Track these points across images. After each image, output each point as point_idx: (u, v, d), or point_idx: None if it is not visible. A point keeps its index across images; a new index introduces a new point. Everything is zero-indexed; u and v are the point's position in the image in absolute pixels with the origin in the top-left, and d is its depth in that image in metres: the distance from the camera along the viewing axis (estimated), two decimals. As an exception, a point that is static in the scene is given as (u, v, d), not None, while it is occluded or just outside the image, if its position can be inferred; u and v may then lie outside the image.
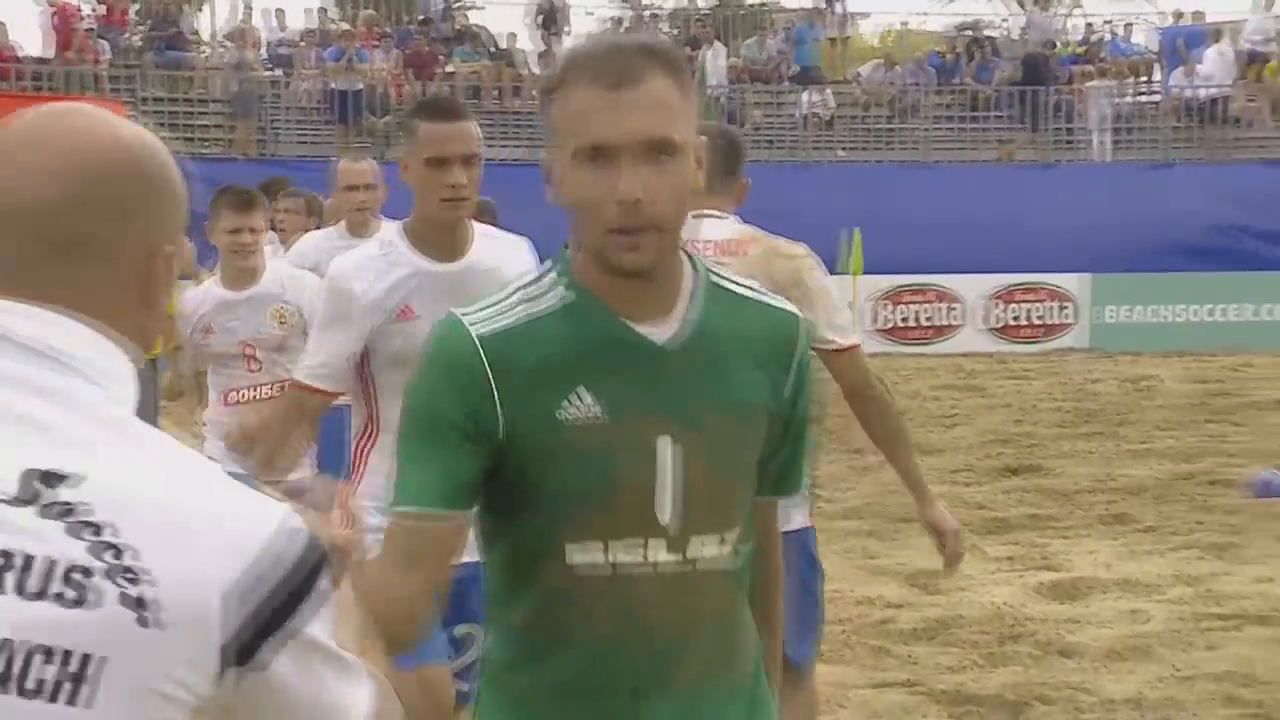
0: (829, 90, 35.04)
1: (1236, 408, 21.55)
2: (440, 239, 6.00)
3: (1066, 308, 30.29)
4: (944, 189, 30.54)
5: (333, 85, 32.20)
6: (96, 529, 2.14)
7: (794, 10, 41.54)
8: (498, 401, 3.15)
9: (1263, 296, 30.52)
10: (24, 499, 2.15)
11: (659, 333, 3.21)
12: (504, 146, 31.13)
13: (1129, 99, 37.01)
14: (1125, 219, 30.22)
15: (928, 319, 29.76)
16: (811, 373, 3.61)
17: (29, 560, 2.12)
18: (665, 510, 3.24)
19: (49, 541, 2.11)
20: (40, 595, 2.10)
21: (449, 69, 34.32)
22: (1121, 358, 27.83)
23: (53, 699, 2.09)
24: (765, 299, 3.51)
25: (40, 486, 2.16)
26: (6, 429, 2.20)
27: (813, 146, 33.45)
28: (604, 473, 3.21)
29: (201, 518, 2.21)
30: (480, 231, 6.22)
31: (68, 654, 2.09)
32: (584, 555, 3.27)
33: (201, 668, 2.17)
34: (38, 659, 2.08)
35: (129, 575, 2.12)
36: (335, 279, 6.20)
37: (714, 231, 7.04)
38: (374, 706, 2.48)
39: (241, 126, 31.63)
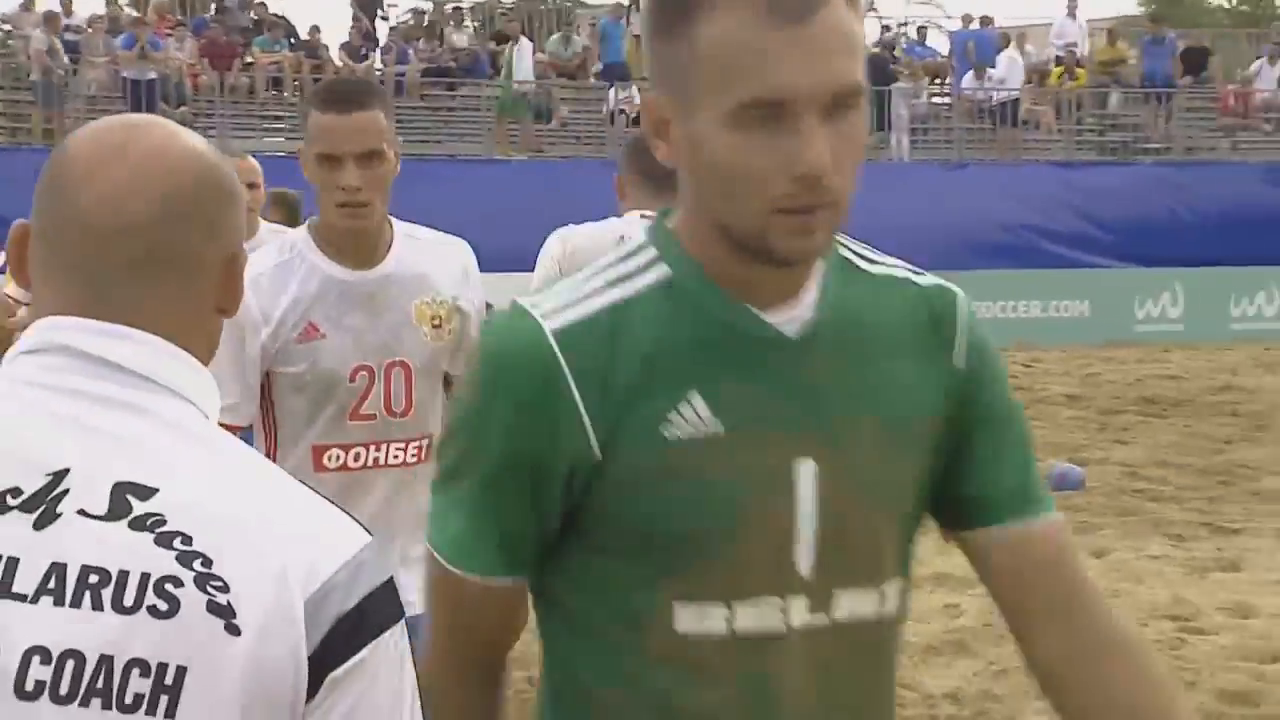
0: (635, 86, 34.82)
1: (1029, 402, 21.52)
2: (347, 244, 5.06)
3: (872, 301, 30.31)
4: None
5: (125, 74, 31.70)
6: (186, 538, 2.20)
7: (598, 6, 42.33)
8: (585, 418, 2.38)
9: (1051, 294, 31.56)
10: (116, 514, 2.21)
11: (788, 322, 2.46)
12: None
13: (924, 101, 37.62)
14: (923, 218, 30.76)
15: None
16: (993, 353, 2.75)
17: (124, 575, 2.16)
18: (807, 557, 2.47)
19: (141, 554, 2.17)
20: (135, 609, 2.15)
21: (248, 59, 34.07)
22: None
23: (149, 712, 2.14)
24: (908, 273, 2.73)
25: (131, 499, 2.22)
26: (100, 446, 2.27)
27: (619, 143, 33.44)
28: (727, 510, 2.42)
29: (290, 526, 2.28)
30: (404, 232, 5.25)
31: (163, 666, 2.14)
32: (698, 620, 2.47)
33: (291, 673, 2.20)
34: (135, 673, 2.13)
35: (216, 583, 2.18)
36: None
37: None
38: None
39: (35, 114, 31.41)
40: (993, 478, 2.62)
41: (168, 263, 2.34)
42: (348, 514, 2.35)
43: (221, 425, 3.22)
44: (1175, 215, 33.80)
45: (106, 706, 2.14)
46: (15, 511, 2.23)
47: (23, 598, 2.19)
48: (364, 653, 2.23)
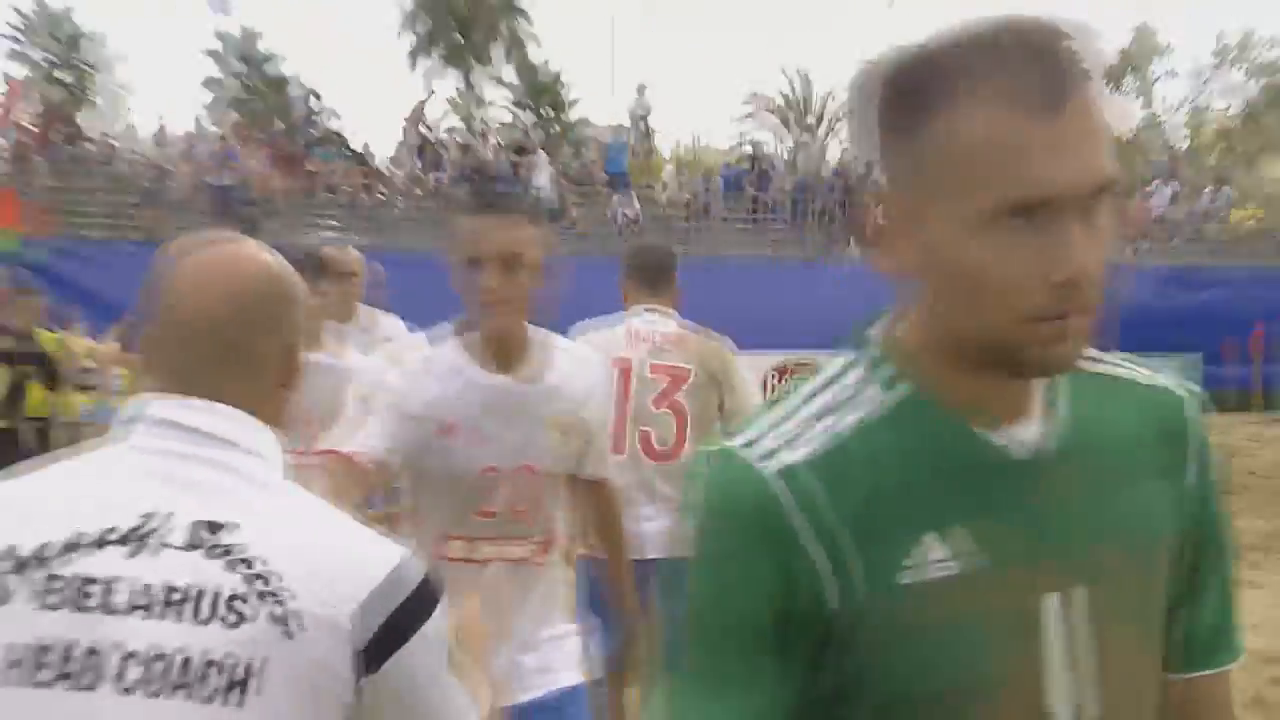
0: (634, 193, 35.80)
1: None
2: (489, 348, 4.60)
3: (831, 382, 30.72)
4: (730, 284, 31.21)
5: (208, 180, 32.20)
6: (249, 563, 2.50)
7: (602, 127, 42.15)
8: (817, 569, 1.94)
9: None
10: (193, 545, 2.51)
11: (1021, 439, 2.03)
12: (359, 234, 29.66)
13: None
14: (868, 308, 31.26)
15: None
16: (1215, 462, 2.24)
17: (200, 594, 2.45)
18: (1063, 709, 2.00)
19: (213, 577, 2.46)
20: (210, 620, 2.44)
21: (309, 168, 34.18)
22: None
23: (224, 704, 2.42)
24: (1137, 374, 2.28)
25: (205, 534, 2.51)
26: (181, 492, 2.58)
27: (622, 239, 34.04)
28: (972, 658, 1.96)
29: (338, 551, 2.59)
30: (542, 341, 4.76)
31: (233, 665, 2.43)
32: None
33: (341, 669, 2.51)
34: (212, 672, 2.41)
35: (276, 598, 2.48)
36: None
37: (661, 325, 7.02)
38: None
39: (149, 214, 31.29)
40: (1198, 614, 2.23)
41: (241, 351, 2.74)
42: (390, 538, 2.71)
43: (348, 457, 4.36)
44: None
45: (189, 699, 2.41)
46: (112, 545, 2.50)
47: (118, 612, 2.45)
48: (406, 646, 2.57)
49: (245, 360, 2.77)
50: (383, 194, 34.96)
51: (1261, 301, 34.64)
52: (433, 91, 43.63)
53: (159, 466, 2.62)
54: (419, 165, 36.03)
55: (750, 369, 26.89)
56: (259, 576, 2.50)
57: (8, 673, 2.40)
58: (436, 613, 2.64)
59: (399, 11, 60.96)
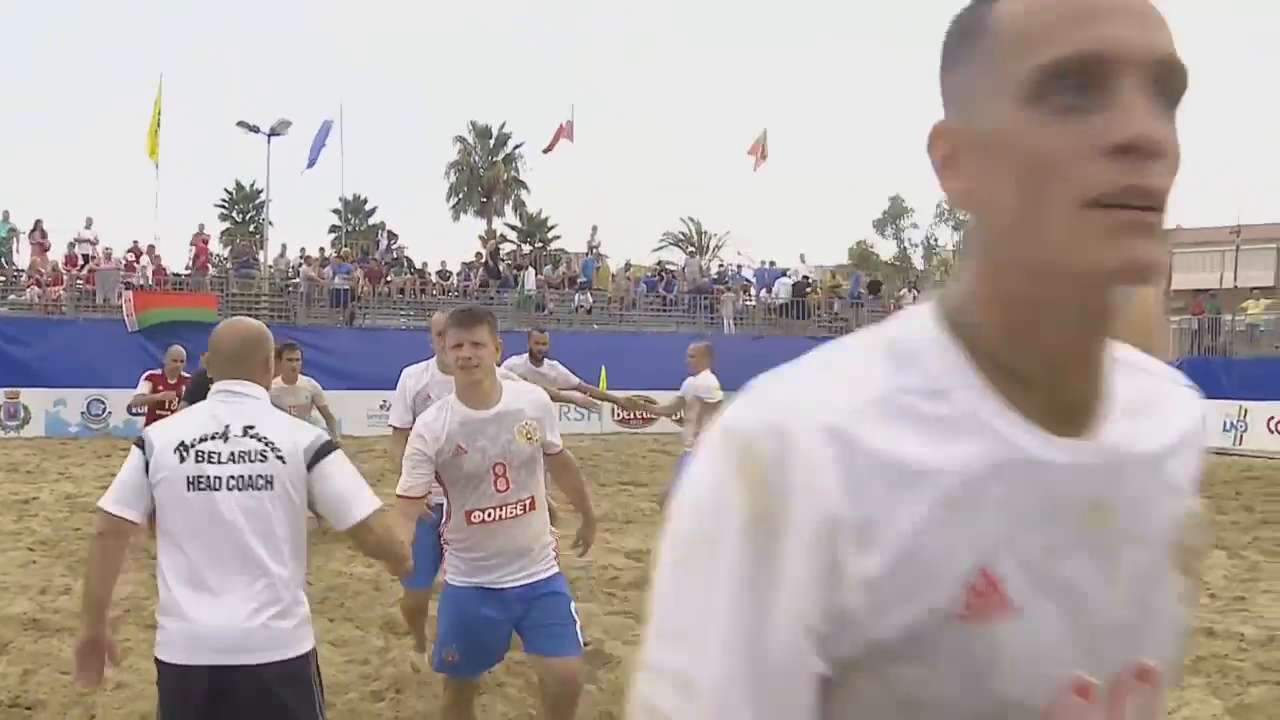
0: (589, 293, 35.35)
1: None
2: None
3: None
4: (648, 348, 30.76)
5: (331, 285, 31.80)
6: (263, 439, 3.66)
7: (572, 251, 41.75)
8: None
9: None
10: (243, 434, 3.66)
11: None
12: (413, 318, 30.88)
13: (744, 303, 37.74)
14: (743, 365, 30.86)
15: (642, 414, 29.67)
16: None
17: (247, 452, 3.64)
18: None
19: (252, 445, 3.65)
20: (253, 461, 3.63)
21: (388, 278, 33.79)
22: None
23: (261, 490, 3.60)
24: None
25: (246, 429, 3.67)
26: (235, 415, 3.69)
27: (580, 324, 33.94)
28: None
29: (295, 431, 3.75)
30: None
31: (266, 479, 3.61)
32: None
33: (301, 471, 3.64)
34: (258, 480, 3.61)
35: (276, 451, 3.65)
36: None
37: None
38: (378, 511, 3.66)
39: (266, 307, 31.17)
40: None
41: (251, 360, 3.80)
42: (324, 431, 3.86)
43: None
44: None
45: (249, 490, 3.57)
46: (213, 439, 3.62)
47: (219, 462, 3.59)
48: (324, 461, 3.67)
49: (248, 365, 3.81)
50: (428, 292, 34.21)
51: None
52: (497, 243, 42.23)
53: (224, 407, 3.73)
54: (455, 278, 35.84)
55: (660, 400, 25.06)
56: (269, 443, 3.67)
57: (187, 491, 3.58)
58: (334, 452, 3.72)
59: (446, 183, 60.37)
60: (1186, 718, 6.23)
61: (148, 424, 11.26)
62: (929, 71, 1.13)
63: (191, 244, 32.74)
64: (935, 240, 51.09)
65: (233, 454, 3.55)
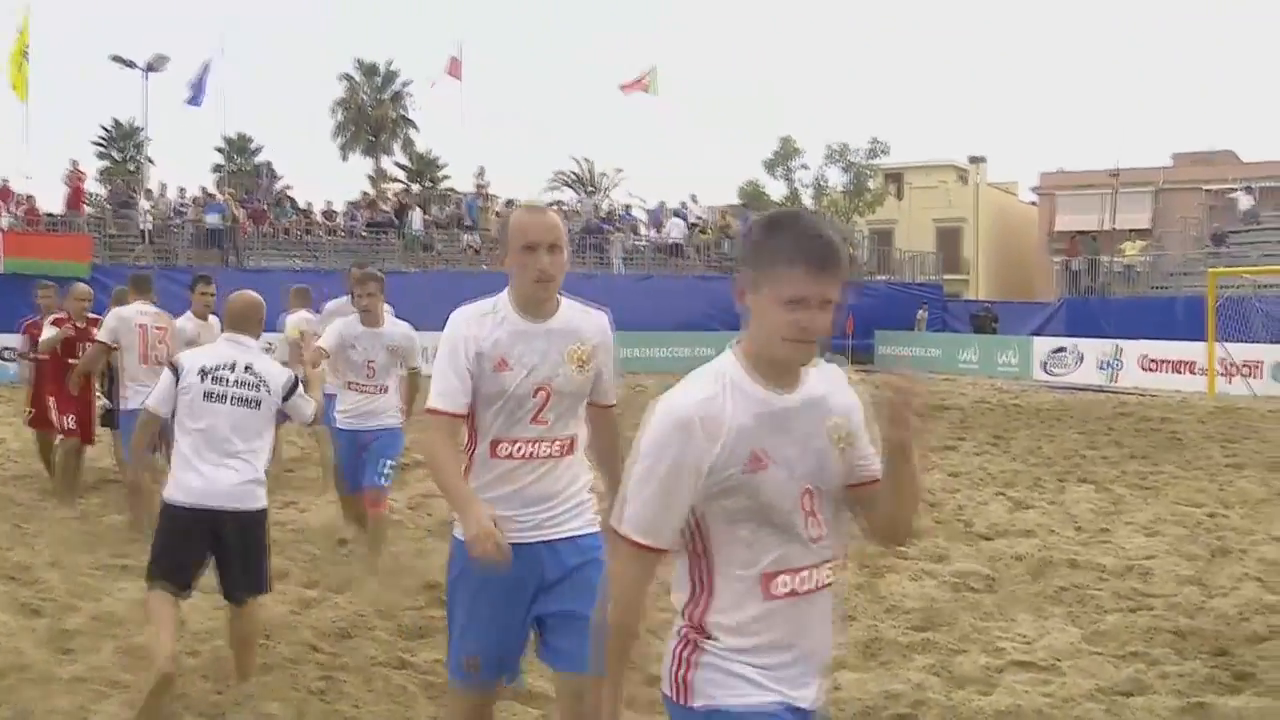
0: (477, 233, 34.96)
1: None
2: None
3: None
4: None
5: (209, 226, 30.93)
6: (258, 374, 5.58)
7: (461, 192, 41.23)
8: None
9: (695, 343, 29.96)
10: (245, 368, 5.55)
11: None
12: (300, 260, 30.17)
13: (632, 243, 37.65)
14: (632, 305, 30.87)
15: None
16: None
17: (246, 382, 5.53)
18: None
19: (249, 378, 5.54)
20: (249, 389, 5.54)
21: (272, 219, 33.07)
22: (630, 376, 27.42)
23: (252, 409, 5.52)
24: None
25: (248, 366, 5.56)
26: (240, 355, 5.59)
27: (468, 263, 33.63)
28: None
29: (277, 371, 5.70)
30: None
31: (255, 399, 5.52)
32: None
33: (276, 402, 5.61)
34: (251, 401, 5.52)
35: (266, 384, 5.58)
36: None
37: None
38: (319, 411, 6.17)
39: (143, 249, 30.25)
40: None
41: (250, 319, 5.74)
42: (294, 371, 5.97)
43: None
44: None
45: (245, 406, 5.49)
46: (224, 369, 5.51)
47: (228, 385, 5.50)
48: (294, 395, 5.69)
49: (248, 324, 5.73)
50: (313, 234, 33.70)
51: (850, 302, 34.44)
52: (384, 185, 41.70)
53: (231, 348, 5.63)
54: (342, 217, 35.14)
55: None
56: (261, 378, 5.57)
57: (203, 399, 5.43)
58: (299, 386, 5.78)
59: (333, 122, 58.90)
60: (1046, 645, 6.38)
61: (41, 369, 10.83)
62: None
63: (66, 183, 31.45)
64: (825, 181, 51.27)
65: (237, 381, 5.53)
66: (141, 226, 31.01)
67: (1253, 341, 25.50)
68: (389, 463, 7.90)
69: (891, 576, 7.87)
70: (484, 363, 3.75)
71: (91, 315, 10.62)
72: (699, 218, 39.46)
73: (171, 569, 5.31)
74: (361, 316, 7.81)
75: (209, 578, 5.51)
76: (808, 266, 2.43)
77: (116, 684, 5.56)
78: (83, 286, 11.08)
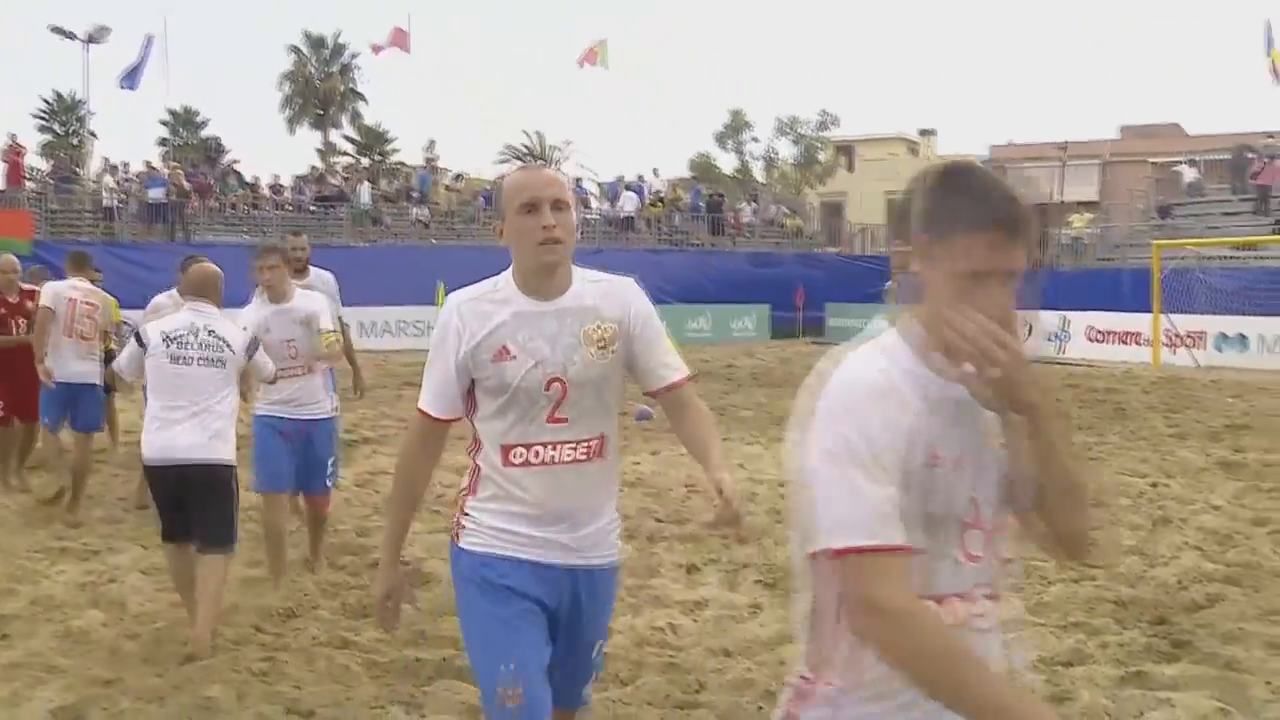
0: (427, 207, 34.67)
1: None
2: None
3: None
4: (488, 262, 30.38)
5: (152, 202, 30.46)
6: (220, 337, 5.98)
7: (411, 166, 40.85)
8: None
9: None
10: (207, 333, 5.95)
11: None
12: (247, 234, 30.00)
13: (583, 216, 37.35)
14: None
15: None
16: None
17: (209, 344, 5.93)
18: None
19: (212, 340, 5.94)
20: (213, 350, 5.94)
21: (219, 193, 32.61)
22: None
23: (215, 368, 5.93)
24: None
25: (208, 328, 5.96)
26: (201, 320, 6.00)
27: (418, 237, 33.46)
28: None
29: (237, 334, 6.11)
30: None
31: (219, 359, 5.93)
32: None
33: (241, 360, 6.05)
34: (215, 361, 5.92)
35: (229, 345, 5.99)
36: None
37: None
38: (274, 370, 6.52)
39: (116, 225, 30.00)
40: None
41: (208, 289, 6.13)
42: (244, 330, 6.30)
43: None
44: (705, 278, 34.15)
45: (210, 366, 5.91)
46: (187, 334, 5.90)
47: (191, 348, 5.88)
48: (256, 354, 6.16)
49: (210, 291, 6.10)
50: (261, 208, 33.27)
51: (801, 274, 35.48)
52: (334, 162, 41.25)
53: (191, 315, 6.00)
54: (289, 191, 34.79)
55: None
56: (224, 339, 5.94)
57: (169, 363, 5.84)
58: (259, 347, 6.21)
59: (281, 94, 58.14)
60: (988, 618, 6.36)
61: None
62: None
63: (4, 158, 30.78)
64: (776, 154, 51.33)
65: (200, 344, 5.91)
66: (108, 204, 30.60)
67: (1196, 313, 25.78)
68: (332, 461, 7.36)
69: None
70: (481, 353, 3.13)
71: (26, 287, 10.37)
72: (658, 192, 39.32)
73: (165, 525, 6.02)
74: (267, 294, 6.97)
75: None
76: (994, 232, 1.97)
77: (54, 669, 5.48)
78: (8, 257, 10.64)
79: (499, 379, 3.12)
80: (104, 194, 31.33)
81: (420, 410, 3.24)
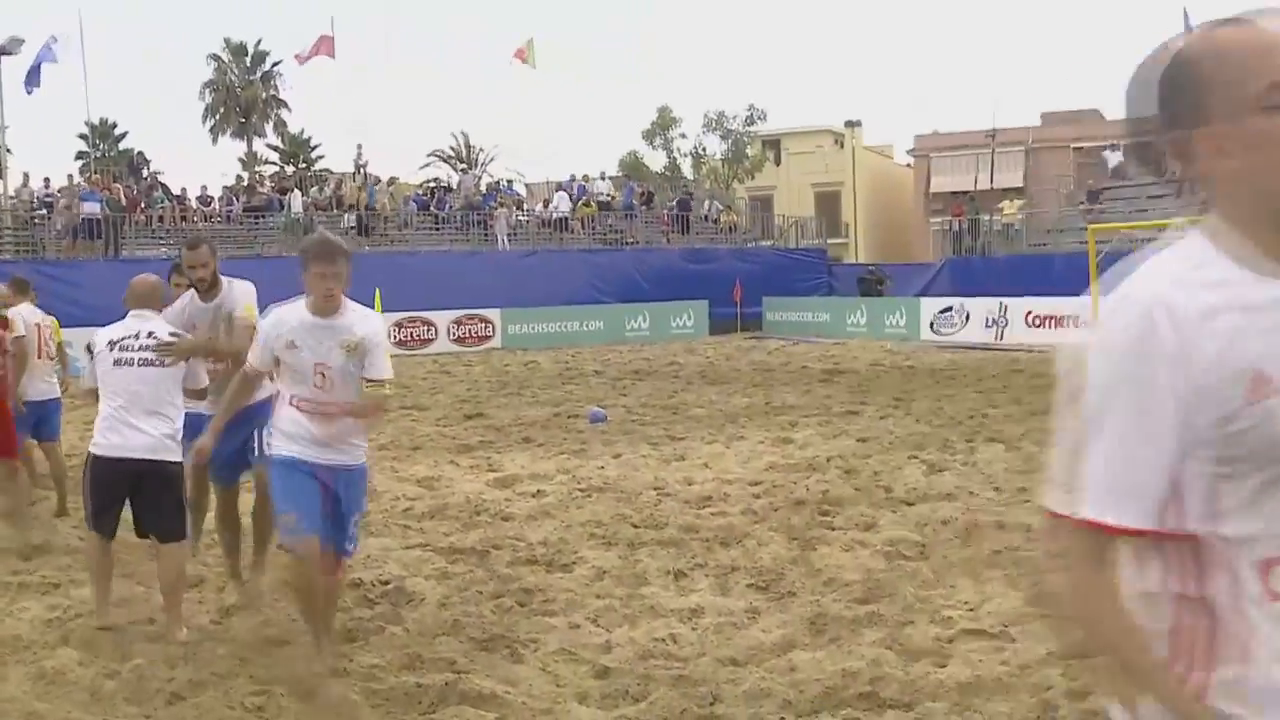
0: (354, 213, 34.14)
1: (577, 376, 21.76)
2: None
3: (491, 325, 30.40)
4: (423, 267, 30.27)
5: (84, 215, 29.66)
6: (158, 338, 6.30)
7: (338, 172, 40.16)
8: None
9: (580, 317, 31.65)
10: (148, 337, 6.30)
11: None
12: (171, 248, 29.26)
13: (517, 218, 37.21)
14: (519, 281, 30.81)
15: (419, 335, 29.38)
16: None
17: (147, 346, 6.28)
18: None
19: (149, 343, 6.28)
20: (150, 352, 6.27)
21: (144, 207, 32.09)
22: (520, 352, 27.67)
23: (154, 366, 6.25)
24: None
25: (148, 333, 6.31)
26: (142, 325, 6.37)
27: (351, 245, 32.81)
28: None
29: (178, 336, 6.49)
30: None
31: (159, 360, 6.28)
32: None
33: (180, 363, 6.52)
34: (154, 362, 6.26)
35: (156, 342, 6.33)
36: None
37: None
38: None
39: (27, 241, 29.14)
40: None
41: (150, 299, 6.50)
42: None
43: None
44: (638, 276, 34.02)
45: (149, 367, 6.24)
46: (130, 339, 6.30)
47: (131, 351, 6.27)
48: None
49: (151, 300, 6.46)
50: (189, 220, 32.69)
51: (739, 269, 35.47)
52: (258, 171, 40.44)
53: (133, 322, 6.34)
54: (217, 204, 34.20)
55: (437, 321, 24.72)
56: (163, 342, 6.24)
57: (114, 366, 6.23)
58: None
59: (202, 105, 57.13)
60: (991, 611, 6.34)
61: None
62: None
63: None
64: (704, 149, 51.25)
65: (140, 346, 6.28)
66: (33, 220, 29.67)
67: (1130, 294, 26.02)
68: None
69: (824, 549, 7.82)
70: (1227, 387, 1.78)
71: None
72: (608, 194, 39.14)
73: (97, 515, 6.39)
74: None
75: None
76: None
77: (33, 715, 5.11)
78: None
79: (1271, 432, 1.65)
80: (23, 210, 30.55)
81: (1090, 522, 1.71)
